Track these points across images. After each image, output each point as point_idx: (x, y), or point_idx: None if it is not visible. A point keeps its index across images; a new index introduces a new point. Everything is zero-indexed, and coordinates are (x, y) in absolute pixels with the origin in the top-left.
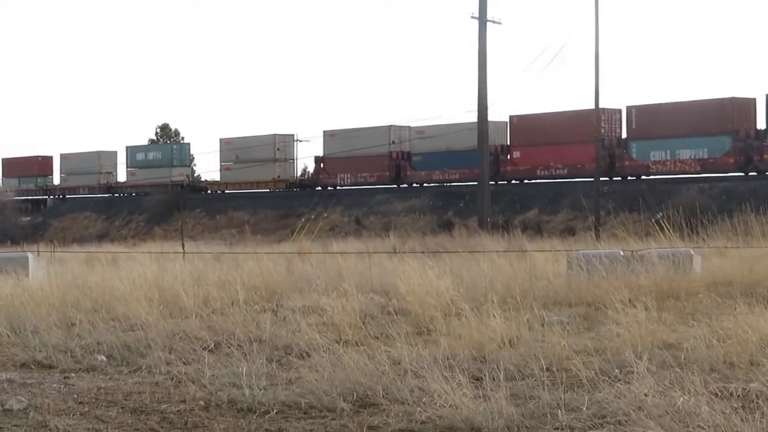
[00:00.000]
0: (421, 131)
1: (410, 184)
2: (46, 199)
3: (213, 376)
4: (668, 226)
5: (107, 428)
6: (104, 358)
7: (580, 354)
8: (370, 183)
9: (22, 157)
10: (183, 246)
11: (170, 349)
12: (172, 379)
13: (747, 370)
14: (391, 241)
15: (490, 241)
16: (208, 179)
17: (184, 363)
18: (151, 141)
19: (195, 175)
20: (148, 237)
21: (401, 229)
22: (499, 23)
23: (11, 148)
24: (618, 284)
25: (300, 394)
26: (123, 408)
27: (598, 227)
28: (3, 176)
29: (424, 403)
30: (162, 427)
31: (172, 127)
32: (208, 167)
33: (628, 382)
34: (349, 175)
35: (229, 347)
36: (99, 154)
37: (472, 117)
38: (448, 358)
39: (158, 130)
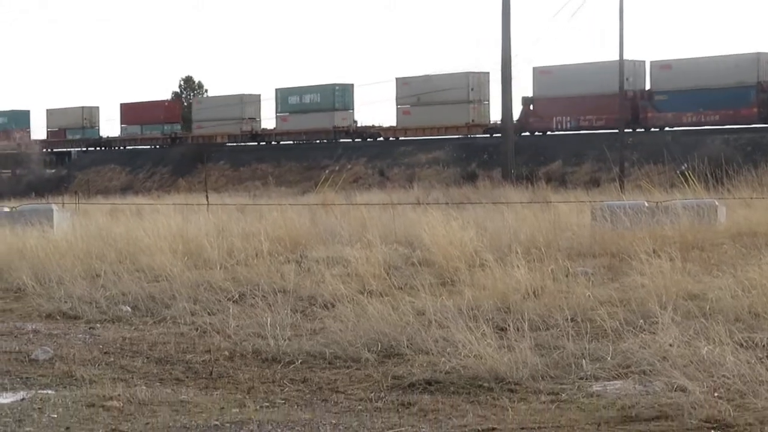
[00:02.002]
0: (667, 65)
1: (649, 129)
2: (70, 151)
3: (238, 326)
4: (693, 177)
5: (133, 378)
6: (129, 309)
7: (605, 305)
8: (597, 127)
9: (145, 102)
10: (207, 197)
11: (195, 300)
12: (197, 329)
13: None
14: (415, 192)
15: (515, 193)
16: (381, 124)
17: (208, 313)
18: (175, 94)
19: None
20: (173, 189)
21: (425, 181)
22: None
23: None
24: (642, 235)
25: (324, 344)
26: (148, 358)
27: (623, 178)
28: (123, 123)
29: (448, 354)
30: (187, 377)
31: (195, 79)
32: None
33: (653, 333)
34: (568, 118)
35: (253, 298)
36: (241, 98)
37: (731, 50)
38: (472, 309)
39: (182, 82)
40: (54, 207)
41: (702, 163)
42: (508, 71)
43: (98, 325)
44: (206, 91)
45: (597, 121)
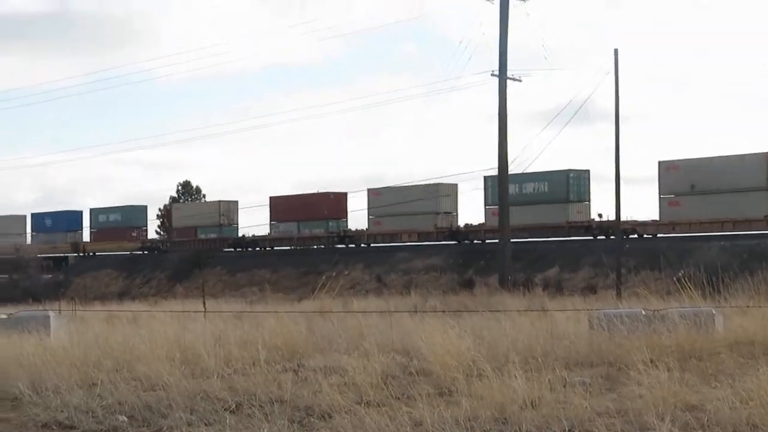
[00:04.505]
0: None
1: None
2: (66, 257)
3: None
4: (689, 285)
5: None
6: (125, 419)
7: (602, 416)
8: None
9: (302, 195)
10: (204, 305)
11: (191, 410)
12: None
13: None
14: (413, 299)
15: (512, 300)
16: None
17: (205, 424)
18: (173, 199)
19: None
20: (170, 295)
21: (422, 287)
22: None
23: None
24: (640, 344)
25: None
26: None
27: (620, 285)
28: (273, 219)
29: None
30: None
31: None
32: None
33: None
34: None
35: (250, 408)
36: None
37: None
38: (469, 420)
39: (179, 187)
40: (51, 314)
41: (698, 270)
42: (505, 177)
43: None
44: (204, 196)
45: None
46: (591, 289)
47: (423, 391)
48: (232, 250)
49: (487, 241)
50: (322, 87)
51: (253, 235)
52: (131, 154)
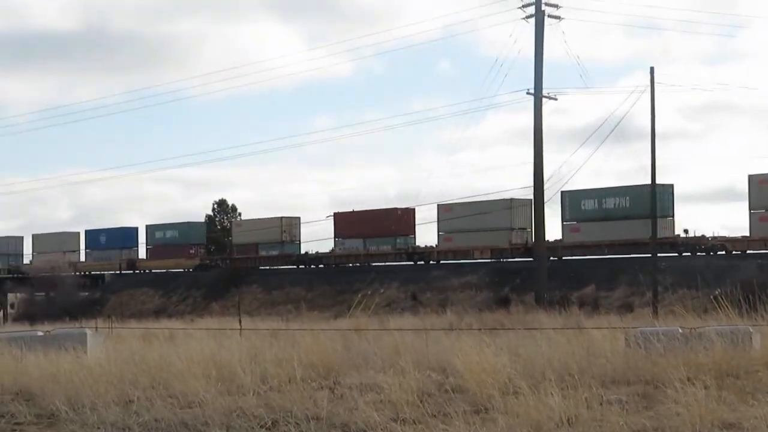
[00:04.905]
0: None
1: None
2: (103, 275)
3: None
4: (726, 303)
5: None
6: None
7: None
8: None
9: (369, 211)
10: (240, 322)
11: (227, 427)
12: None
13: None
14: (448, 317)
15: (548, 318)
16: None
17: None
18: (209, 217)
19: None
20: (205, 312)
21: (458, 305)
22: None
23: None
24: (676, 362)
25: None
26: None
27: (656, 303)
28: (337, 235)
29: None
30: None
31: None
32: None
33: None
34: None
35: (286, 425)
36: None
37: None
38: None
39: (215, 205)
40: (88, 331)
41: (735, 288)
42: (541, 196)
43: None
44: (240, 214)
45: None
46: (627, 308)
47: (459, 408)
48: (295, 267)
49: (564, 258)
50: (355, 105)
51: (317, 252)
52: (166, 172)
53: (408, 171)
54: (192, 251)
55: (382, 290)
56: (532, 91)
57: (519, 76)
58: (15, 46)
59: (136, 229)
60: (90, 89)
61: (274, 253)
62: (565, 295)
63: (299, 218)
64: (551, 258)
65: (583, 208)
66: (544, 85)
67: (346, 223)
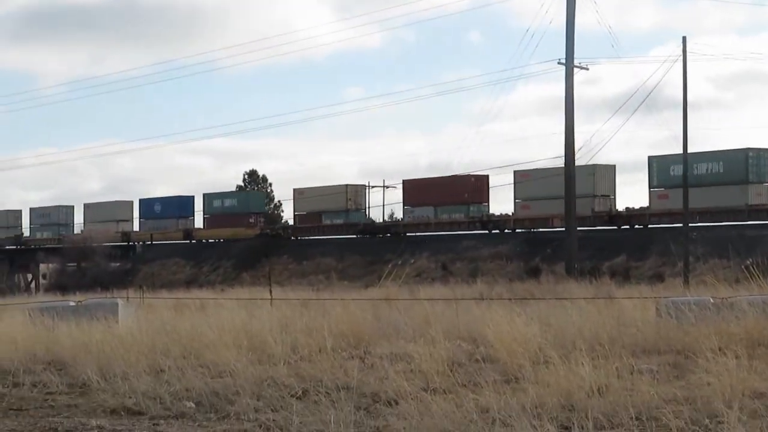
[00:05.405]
0: None
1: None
2: (134, 245)
3: (301, 423)
4: (758, 273)
5: None
6: (193, 405)
7: (670, 403)
8: None
9: (440, 178)
10: (270, 292)
11: (258, 396)
12: (261, 426)
13: None
14: (479, 287)
15: (578, 288)
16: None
17: (272, 410)
18: (239, 187)
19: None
20: (236, 283)
21: (488, 275)
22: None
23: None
24: (708, 332)
25: None
26: None
27: (687, 273)
28: (407, 204)
29: None
30: None
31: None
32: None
33: None
34: None
35: (316, 394)
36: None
37: None
38: (536, 407)
39: (246, 176)
40: (119, 301)
41: (766, 258)
42: (572, 168)
43: (162, 421)
44: (270, 185)
45: None
46: (658, 278)
47: (489, 378)
48: (361, 236)
49: (650, 226)
50: (385, 76)
51: (384, 220)
52: (196, 143)
53: (438, 141)
54: (251, 220)
55: (412, 260)
56: (563, 60)
57: (550, 47)
58: (45, 18)
59: (193, 197)
60: (120, 60)
61: (339, 221)
62: (596, 265)
63: (365, 185)
64: (636, 226)
65: (672, 173)
66: (576, 54)
67: (416, 190)
